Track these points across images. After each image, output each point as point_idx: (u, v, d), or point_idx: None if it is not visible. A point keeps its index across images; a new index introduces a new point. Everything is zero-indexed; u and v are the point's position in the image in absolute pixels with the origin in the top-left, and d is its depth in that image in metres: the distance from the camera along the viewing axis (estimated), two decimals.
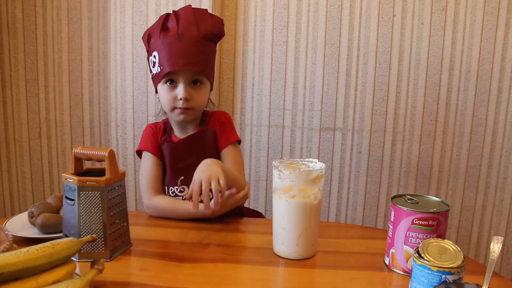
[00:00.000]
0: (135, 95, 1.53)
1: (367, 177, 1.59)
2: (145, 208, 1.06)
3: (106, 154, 0.79)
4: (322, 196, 0.83)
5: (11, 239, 0.68)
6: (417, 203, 0.78)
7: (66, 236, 0.79)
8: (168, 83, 1.02)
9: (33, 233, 0.87)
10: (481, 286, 0.60)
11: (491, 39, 1.48)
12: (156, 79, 1.03)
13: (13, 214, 1.62)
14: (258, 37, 1.56)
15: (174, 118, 1.06)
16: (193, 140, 1.06)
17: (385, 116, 1.55)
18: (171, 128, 1.10)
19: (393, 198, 0.80)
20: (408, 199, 0.79)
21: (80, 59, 1.66)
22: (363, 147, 1.58)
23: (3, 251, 0.65)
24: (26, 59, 1.66)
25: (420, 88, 1.53)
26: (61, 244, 0.65)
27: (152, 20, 1.48)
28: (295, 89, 1.57)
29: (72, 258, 0.72)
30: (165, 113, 1.11)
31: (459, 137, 1.55)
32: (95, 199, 0.77)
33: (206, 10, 1.03)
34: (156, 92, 1.07)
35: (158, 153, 1.07)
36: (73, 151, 0.81)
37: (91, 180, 0.77)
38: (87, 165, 0.86)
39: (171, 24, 1.00)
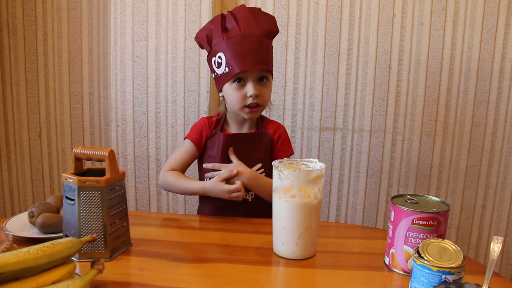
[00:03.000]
0: (135, 95, 1.53)
1: (367, 177, 1.59)
2: (158, 181, 1.14)
3: (106, 154, 0.79)
4: (322, 196, 0.83)
5: (11, 239, 0.68)
6: (417, 203, 0.78)
7: (66, 236, 0.80)
8: (236, 82, 1.06)
9: (33, 233, 0.87)
10: (481, 286, 0.60)
11: (491, 39, 1.48)
12: (222, 79, 1.07)
13: (13, 214, 1.63)
14: None
15: (243, 116, 1.10)
16: (251, 139, 1.12)
17: (385, 116, 1.55)
18: (224, 122, 1.15)
19: (393, 198, 0.80)
20: (408, 199, 0.79)
21: (80, 59, 1.66)
22: (363, 147, 1.58)
23: (3, 251, 0.65)
24: (26, 59, 1.66)
25: (420, 88, 1.53)
26: (61, 244, 0.65)
27: (152, 20, 1.48)
28: (295, 89, 1.57)
29: (72, 258, 0.72)
30: (225, 108, 1.14)
31: (459, 137, 1.55)
32: (95, 199, 0.77)
33: (259, 8, 1.08)
34: (220, 91, 1.11)
35: (200, 146, 1.13)
36: (73, 151, 0.81)
37: (91, 180, 0.77)
38: (87, 165, 0.86)
39: (231, 24, 1.04)
